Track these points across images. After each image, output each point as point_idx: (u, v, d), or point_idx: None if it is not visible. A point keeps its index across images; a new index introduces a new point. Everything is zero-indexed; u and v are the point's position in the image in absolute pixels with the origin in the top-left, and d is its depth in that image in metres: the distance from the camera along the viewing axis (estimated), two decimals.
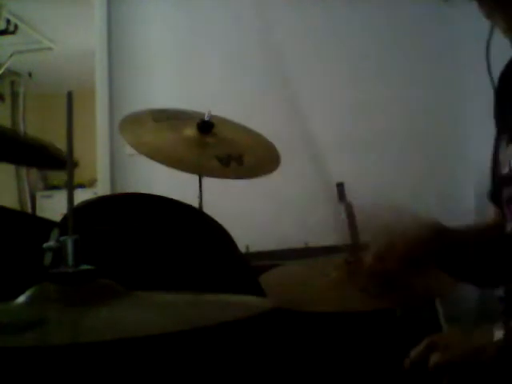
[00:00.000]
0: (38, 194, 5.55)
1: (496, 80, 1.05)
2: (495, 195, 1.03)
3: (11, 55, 4.39)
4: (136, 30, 2.81)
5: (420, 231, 0.97)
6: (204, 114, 1.62)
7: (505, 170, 0.93)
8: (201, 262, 1.00)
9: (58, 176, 4.89)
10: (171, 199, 1.05)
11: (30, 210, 5.14)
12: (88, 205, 0.99)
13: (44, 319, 0.57)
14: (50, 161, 0.93)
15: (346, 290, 1.09)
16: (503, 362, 0.74)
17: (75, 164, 0.65)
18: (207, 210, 1.20)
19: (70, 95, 0.62)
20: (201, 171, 1.66)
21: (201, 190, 1.76)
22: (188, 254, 1.01)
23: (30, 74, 5.04)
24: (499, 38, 0.94)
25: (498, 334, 0.76)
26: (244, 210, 2.42)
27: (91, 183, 4.51)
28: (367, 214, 1.02)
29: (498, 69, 1.05)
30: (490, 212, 1.06)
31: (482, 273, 1.02)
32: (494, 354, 0.75)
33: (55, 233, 0.62)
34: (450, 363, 0.77)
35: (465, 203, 2.38)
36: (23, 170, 5.00)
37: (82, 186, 4.83)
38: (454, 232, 0.99)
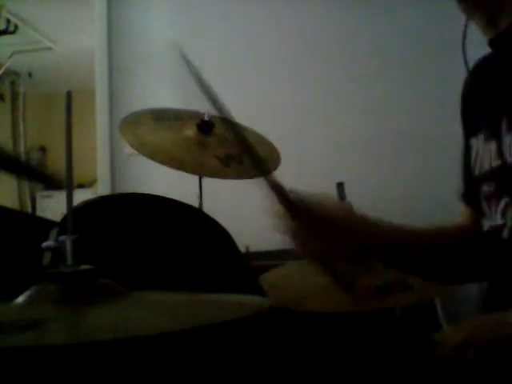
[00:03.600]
0: (38, 194, 5.54)
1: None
2: (468, 196, 1.03)
3: (11, 55, 4.39)
4: (136, 31, 2.80)
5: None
6: (204, 114, 1.62)
7: (485, 167, 0.92)
8: (201, 261, 1.00)
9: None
10: (171, 199, 1.05)
11: (30, 210, 5.13)
12: (88, 205, 0.99)
13: (43, 319, 0.57)
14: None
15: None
16: None
17: None
18: (207, 209, 1.20)
19: (68, 95, 0.62)
20: (201, 171, 1.66)
21: (201, 190, 1.76)
22: (188, 253, 1.00)
23: (29, 74, 5.04)
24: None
25: None
26: (244, 210, 2.41)
27: (91, 183, 4.51)
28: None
29: None
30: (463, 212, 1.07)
31: (436, 268, 1.03)
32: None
33: (54, 232, 0.62)
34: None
35: None
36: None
37: (82, 186, 4.83)
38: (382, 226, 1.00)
